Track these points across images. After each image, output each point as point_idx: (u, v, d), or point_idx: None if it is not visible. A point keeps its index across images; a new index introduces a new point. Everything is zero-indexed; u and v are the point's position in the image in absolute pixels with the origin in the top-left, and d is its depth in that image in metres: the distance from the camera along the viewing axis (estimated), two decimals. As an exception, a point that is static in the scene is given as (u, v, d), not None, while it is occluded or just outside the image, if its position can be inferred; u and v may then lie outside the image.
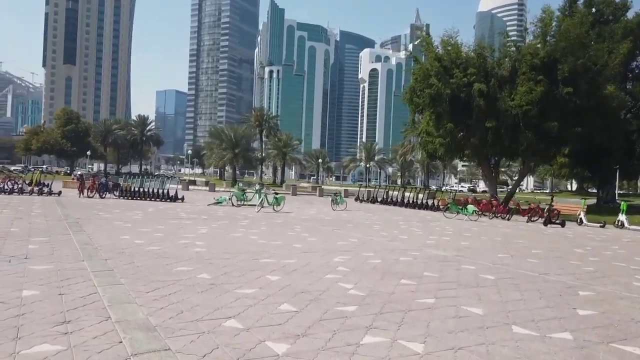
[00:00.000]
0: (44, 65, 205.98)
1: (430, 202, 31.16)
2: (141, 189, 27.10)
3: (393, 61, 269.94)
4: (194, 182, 54.09)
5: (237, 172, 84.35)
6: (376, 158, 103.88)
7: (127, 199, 26.25)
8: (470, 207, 22.15)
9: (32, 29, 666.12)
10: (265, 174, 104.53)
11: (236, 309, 5.47)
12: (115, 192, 27.53)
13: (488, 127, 28.03)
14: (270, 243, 11.23)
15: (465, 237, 14.83)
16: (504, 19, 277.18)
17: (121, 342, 4.24)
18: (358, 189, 37.52)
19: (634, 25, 34.59)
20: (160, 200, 25.84)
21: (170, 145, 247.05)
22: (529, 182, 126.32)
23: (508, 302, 6.43)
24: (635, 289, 8.01)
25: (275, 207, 21.71)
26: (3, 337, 4.26)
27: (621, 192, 70.97)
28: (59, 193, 26.44)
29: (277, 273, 7.68)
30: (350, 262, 9.04)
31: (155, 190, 26.89)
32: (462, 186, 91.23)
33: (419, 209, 29.94)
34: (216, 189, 44.58)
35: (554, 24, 29.93)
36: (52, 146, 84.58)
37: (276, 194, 22.22)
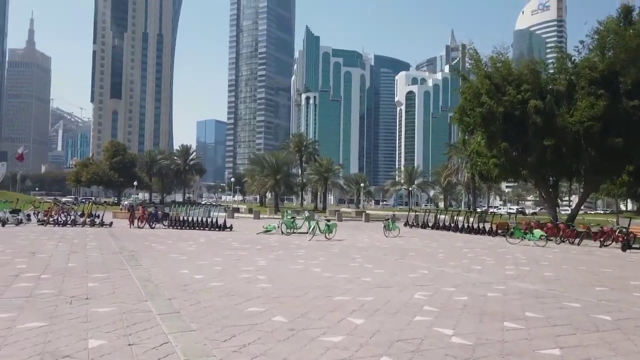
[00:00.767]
0: (92, 100, 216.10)
1: (481, 225, 29.59)
2: (189, 218, 27.01)
3: (430, 83, 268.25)
4: (237, 210, 54.12)
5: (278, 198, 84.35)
6: (417, 181, 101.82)
7: (177, 228, 26.13)
8: (537, 232, 20.62)
9: (81, 67, 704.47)
10: (304, 199, 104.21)
11: (333, 365, 4.64)
12: (164, 222, 27.53)
13: (546, 145, 26.54)
14: (337, 276, 10.40)
15: (545, 266, 13.52)
16: (543, 35, 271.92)
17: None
18: (407, 212, 36.32)
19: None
20: (210, 229, 25.56)
21: (211, 173, 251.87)
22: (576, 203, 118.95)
23: (650, 353, 5.32)
24: None
25: (327, 234, 20.92)
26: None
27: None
28: (110, 224, 26.62)
29: (359, 314, 6.82)
30: (435, 300, 8.07)
31: (204, 219, 26.73)
32: (509, 208, 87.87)
33: (474, 233, 28.42)
34: (260, 216, 44.28)
35: (611, 35, 28.41)
36: (100, 177, 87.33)
37: (327, 220, 21.44)
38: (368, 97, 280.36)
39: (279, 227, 23.83)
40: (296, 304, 7.45)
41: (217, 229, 25.74)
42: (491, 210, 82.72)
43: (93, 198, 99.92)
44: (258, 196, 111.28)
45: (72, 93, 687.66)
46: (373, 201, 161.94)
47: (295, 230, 23.51)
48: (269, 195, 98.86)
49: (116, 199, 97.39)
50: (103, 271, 10.21)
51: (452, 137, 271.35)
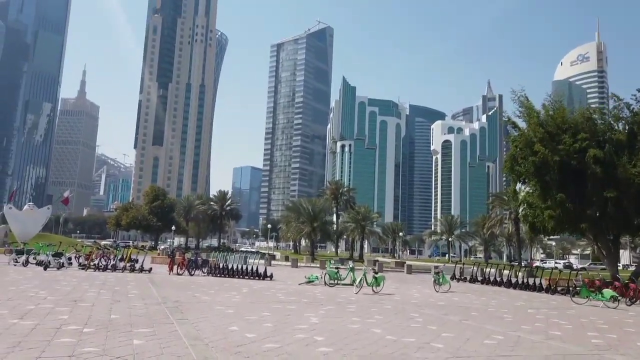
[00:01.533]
0: (135, 146, 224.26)
1: (531, 281, 27.58)
2: (229, 266, 26.32)
3: (466, 132, 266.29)
4: (273, 257, 53.20)
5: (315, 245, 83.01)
6: (456, 231, 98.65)
7: (216, 276, 25.42)
8: (607, 292, 18.76)
9: (126, 115, 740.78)
10: (339, 247, 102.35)
11: None
12: (203, 269, 26.91)
13: (607, 197, 24.87)
14: (403, 340, 9.26)
15: (632, 333, 11.93)
16: (583, 86, 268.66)
17: None
18: (453, 265, 34.48)
19: None
20: (250, 278, 24.71)
21: (245, 219, 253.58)
22: (625, 257, 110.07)
23: None
24: None
25: (374, 287, 19.68)
26: None
27: None
28: (150, 270, 26.15)
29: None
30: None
31: (243, 267, 25.97)
32: (556, 262, 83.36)
33: (530, 290, 26.38)
34: (298, 264, 43.18)
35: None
36: (139, 221, 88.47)
37: (375, 272, 20.23)
38: (403, 146, 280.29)
39: (321, 277, 22.76)
40: (370, 376, 6.41)
41: (257, 278, 24.87)
42: (535, 263, 78.75)
43: (131, 242, 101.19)
44: (292, 243, 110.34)
45: (117, 139, 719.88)
46: (408, 251, 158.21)
47: (339, 282, 22.37)
48: (303, 242, 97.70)
49: (153, 242, 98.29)
50: (148, 325, 9.45)
51: (490, 187, 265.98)
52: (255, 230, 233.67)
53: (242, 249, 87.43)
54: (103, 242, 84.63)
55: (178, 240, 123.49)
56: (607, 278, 27.30)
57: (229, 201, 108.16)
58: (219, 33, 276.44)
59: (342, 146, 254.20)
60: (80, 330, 8.56)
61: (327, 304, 14.98)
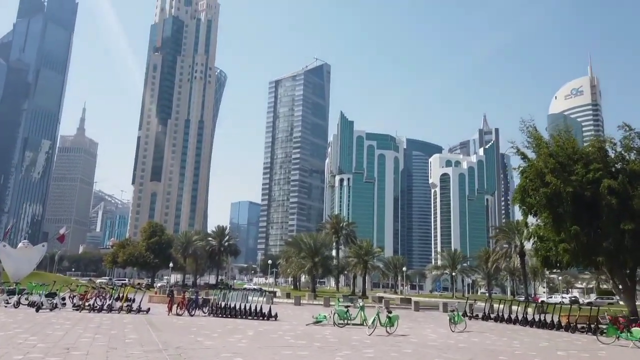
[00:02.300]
0: (133, 182, 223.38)
1: (547, 317, 26.27)
2: (230, 305, 25.05)
3: (464, 165, 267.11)
4: (274, 294, 51.56)
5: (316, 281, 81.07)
6: (459, 266, 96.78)
7: (218, 316, 24.11)
8: (637, 331, 17.60)
9: (125, 151, 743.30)
10: (339, 282, 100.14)
11: None
12: (204, 309, 25.59)
13: (624, 229, 24.00)
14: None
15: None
16: (578, 119, 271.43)
17: None
18: (465, 302, 33.16)
19: None
20: (253, 318, 23.42)
21: (243, 254, 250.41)
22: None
23: None
24: None
25: (388, 328, 18.47)
26: None
27: None
28: (148, 310, 24.85)
29: None
30: None
31: (246, 307, 24.69)
32: (562, 297, 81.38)
33: (549, 328, 25.03)
34: (301, 302, 41.64)
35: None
36: (136, 258, 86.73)
37: (389, 312, 19.04)
38: (402, 180, 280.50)
39: (330, 317, 21.50)
40: None
41: (261, 318, 23.57)
42: (540, 298, 76.82)
43: (127, 279, 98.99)
44: (292, 279, 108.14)
45: (114, 176, 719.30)
46: (409, 285, 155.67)
47: (349, 322, 21.12)
48: (303, 278, 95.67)
49: (150, 280, 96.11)
50: (149, 379, 8.35)
51: (490, 220, 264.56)
52: (254, 266, 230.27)
53: (246, 286, 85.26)
54: (98, 280, 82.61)
55: (175, 277, 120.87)
56: (619, 314, 26.12)
57: (228, 236, 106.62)
58: (218, 70, 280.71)
59: (341, 180, 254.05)
60: (72, 387, 7.48)
61: (342, 348, 13.82)
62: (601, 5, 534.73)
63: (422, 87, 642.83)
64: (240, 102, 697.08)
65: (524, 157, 28.60)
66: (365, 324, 20.11)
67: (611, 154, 27.32)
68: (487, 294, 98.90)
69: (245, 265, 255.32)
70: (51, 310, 23.06)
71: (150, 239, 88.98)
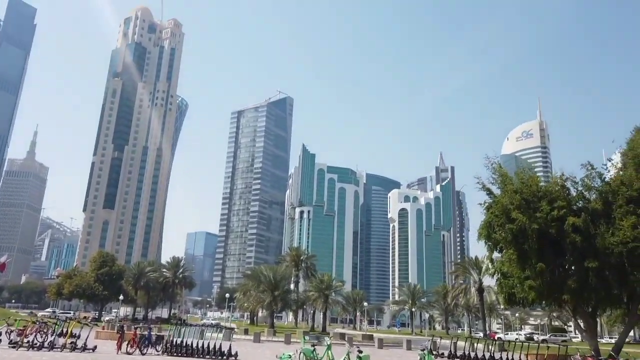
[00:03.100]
0: (84, 210, 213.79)
1: (507, 355, 26.07)
2: (187, 341, 23.32)
3: (422, 201, 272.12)
4: (232, 330, 49.23)
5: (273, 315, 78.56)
6: (418, 302, 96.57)
7: (172, 354, 22.34)
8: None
9: (78, 176, 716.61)
10: (297, 317, 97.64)
11: None
12: (157, 347, 23.70)
13: (588, 267, 24.20)
14: None
15: None
16: (529, 160, 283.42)
17: None
18: (430, 339, 32.39)
19: None
20: (212, 357, 21.82)
21: (197, 287, 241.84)
22: (605, 330, 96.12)
23: None
24: None
25: (359, 369, 17.46)
26: None
27: None
28: (94, 348, 22.78)
29: None
30: None
31: (204, 345, 23.03)
32: (518, 334, 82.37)
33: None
34: (261, 338, 39.80)
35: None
36: (84, 290, 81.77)
37: (359, 352, 18.06)
38: (361, 214, 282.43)
39: (295, 356, 20.22)
40: None
41: (220, 357, 22.01)
42: (496, 335, 77.37)
43: (72, 312, 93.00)
44: (249, 313, 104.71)
45: (65, 202, 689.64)
46: (366, 321, 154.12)
47: (315, 362, 19.93)
48: (260, 312, 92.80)
49: (97, 313, 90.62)
50: None
51: (446, 256, 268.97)
52: (209, 299, 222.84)
53: (205, 321, 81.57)
54: (40, 313, 76.93)
55: (125, 311, 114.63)
56: (588, 353, 26.17)
57: (183, 268, 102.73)
58: (180, 98, 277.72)
59: (301, 212, 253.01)
60: None
61: (313, 392, 12.71)
62: (552, 54, 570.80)
63: (382, 123, 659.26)
64: (200, 131, 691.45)
65: (490, 192, 28.76)
66: (334, 364, 19.04)
67: (573, 192, 27.87)
68: (445, 330, 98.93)
69: (200, 298, 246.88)
70: (-17, 348, 20.73)
71: (100, 269, 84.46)
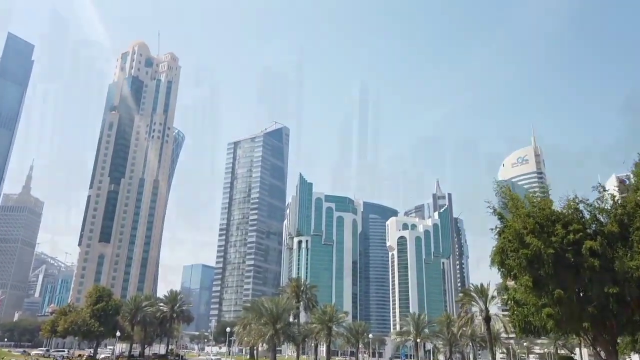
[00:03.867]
0: (79, 244, 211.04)
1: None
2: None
3: (420, 228, 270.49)
4: (233, 366, 47.44)
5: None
6: (422, 332, 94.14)
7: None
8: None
9: (73, 211, 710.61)
10: (299, 351, 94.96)
11: None
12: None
13: (609, 293, 23.35)
14: None
15: None
16: (525, 186, 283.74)
17: None
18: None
19: None
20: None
21: (194, 321, 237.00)
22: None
23: None
24: None
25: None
26: None
27: None
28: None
29: None
30: None
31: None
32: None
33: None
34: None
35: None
36: (79, 327, 79.47)
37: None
38: (360, 242, 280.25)
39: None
40: None
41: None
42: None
43: (67, 350, 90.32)
44: (248, 348, 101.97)
45: (59, 236, 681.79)
46: (370, 353, 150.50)
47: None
48: (260, 346, 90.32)
49: (92, 351, 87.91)
50: None
51: (446, 284, 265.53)
52: (206, 333, 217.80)
53: (202, 356, 79.18)
54: (34, 352, 74.57)
55: (120, 347, 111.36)
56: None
57: (180, 302, 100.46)
58: (176, 130, 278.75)
59: (299, 242, 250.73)
60: None
61: None
62: (545, 79, 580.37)
63: (378, 152, 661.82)
64: (197, 163, 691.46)
65: (501, 217, 28.07)
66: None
67: (586, 215, 27.25)
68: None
69: (197, 332, 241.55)
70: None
71: (96, 304, 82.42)
